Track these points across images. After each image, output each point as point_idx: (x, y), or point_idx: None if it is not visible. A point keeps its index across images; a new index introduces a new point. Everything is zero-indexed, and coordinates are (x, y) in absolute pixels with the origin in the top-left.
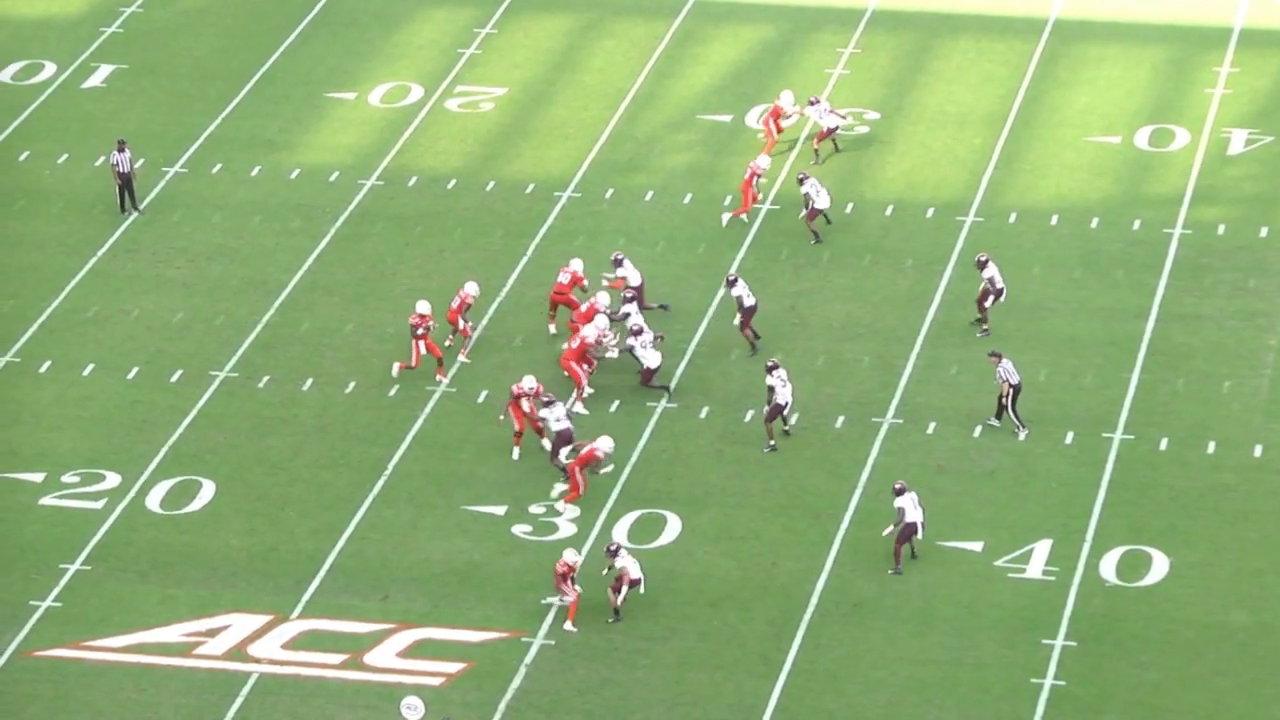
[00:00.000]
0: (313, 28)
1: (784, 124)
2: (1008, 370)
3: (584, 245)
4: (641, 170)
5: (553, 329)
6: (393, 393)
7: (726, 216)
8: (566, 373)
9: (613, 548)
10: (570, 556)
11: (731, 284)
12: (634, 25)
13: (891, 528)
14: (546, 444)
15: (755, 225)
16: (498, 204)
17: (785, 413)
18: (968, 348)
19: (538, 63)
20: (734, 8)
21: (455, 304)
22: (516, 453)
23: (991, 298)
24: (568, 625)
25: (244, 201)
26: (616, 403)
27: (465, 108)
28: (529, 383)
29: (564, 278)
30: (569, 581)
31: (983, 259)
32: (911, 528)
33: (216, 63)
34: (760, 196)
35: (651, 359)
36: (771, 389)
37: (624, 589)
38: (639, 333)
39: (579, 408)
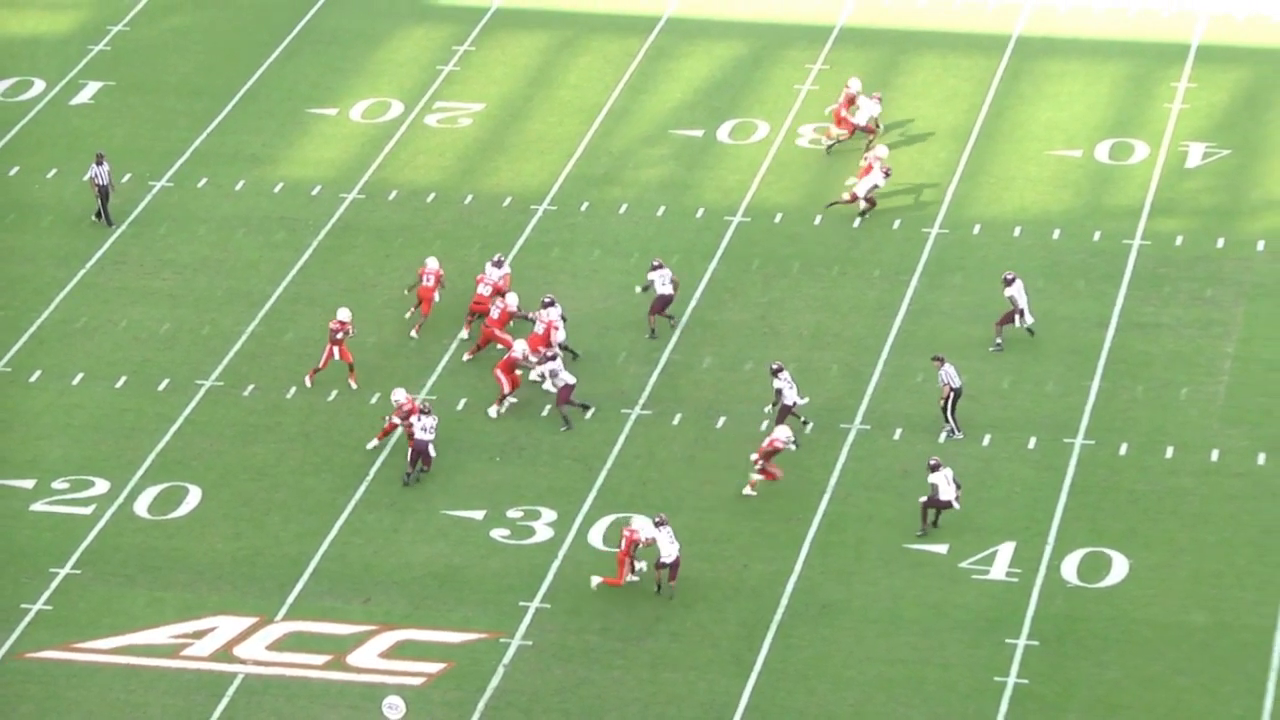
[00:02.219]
0: (295, 45)
1: (858, 118)
2: (949, 374)
3: (560, 257)
4: (616, 183)
5: (465, 334)
6: (374, 400)
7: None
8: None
9: (657, 520)
10: (639, 524)
11: (656, 268)
12: (608, 42)
13: (924, 499)
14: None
15: (727, 236)
16: (476, 217)
17: (794, 411)
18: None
19: (514, 79)
20: (706, 25)
21: (430, 282)
22: (493, 411)
23: (1018, 316)
24: (631, 577)
25: (229, 215)
26: (592, 409)
27: (444, 123)
28: (399, 395)
29: (484, 289)
30: (633, 553)
31: (1009, 277)
32: (945, 504)
33: (201, 80)
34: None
35: (567, 377)
36: (779, 391)
37: (661, 572)
38: (551, 358)
39: (492, 412)
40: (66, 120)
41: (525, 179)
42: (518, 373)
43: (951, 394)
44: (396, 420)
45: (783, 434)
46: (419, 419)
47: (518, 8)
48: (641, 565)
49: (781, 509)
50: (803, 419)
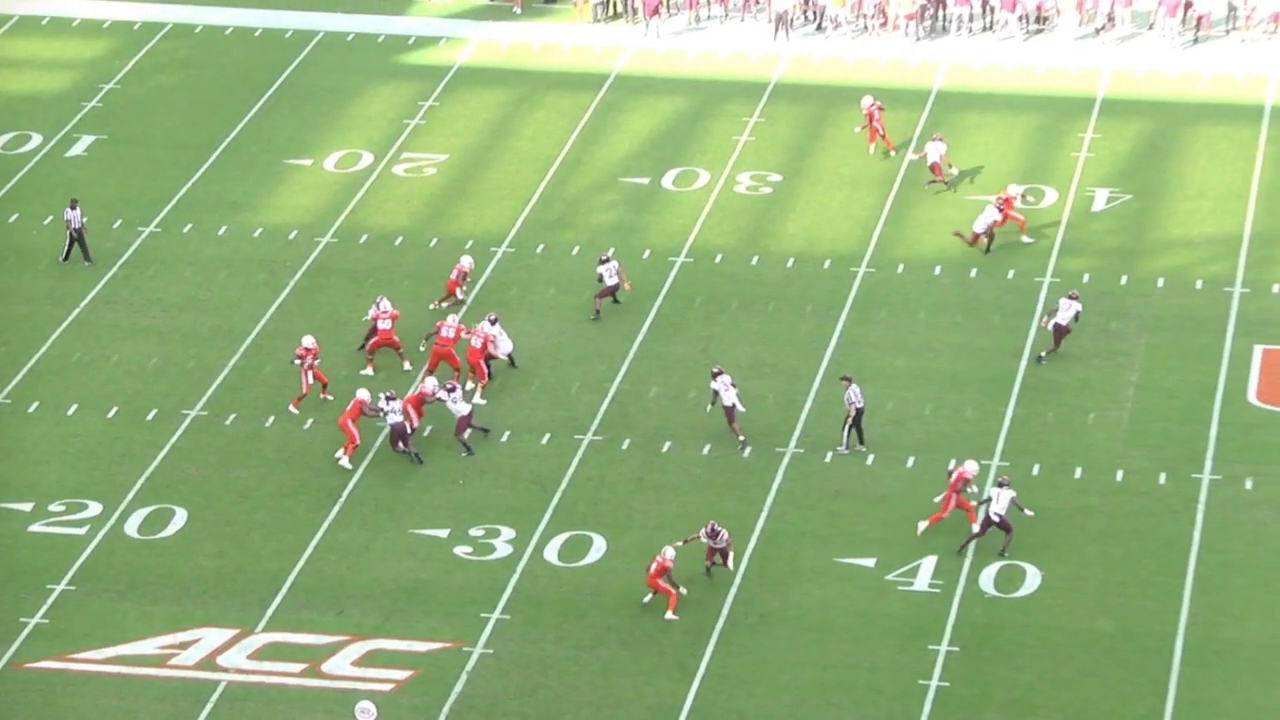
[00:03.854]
0: (273, 101)
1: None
2: (855, 395)
3: (518, 295)
4: (569, 228)
5: (408, 365)
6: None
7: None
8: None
9: (708, 529)
10: (669, 554)
11: (604, 262)
12: (562, 97)
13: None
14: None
15: (672, 275)
16: (440, 259)
17: (733, 414)
18: (861, 385)
19: (476, 131)
20: (651, 81)
21: (454, 276)
22: (345, 461)
23: (1048, 316)
24: (669, 614)
25: (212, 258)
26: (547, 435)
27: (410, 172)
28: (362, 393)
29: (448, 332)
30: (665, 577)
31: (1073, 294)
32: (994, 519)
33: (187, 133)
34: (1023, 219)
35: (462, 409)
36: (715, 393)
37: (727, 562)
38: (452, 390)
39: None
40: (62, 171)
41: (486, 224)
42: (423, 407)
43: (855, 412)
44: (382, 408)
45: (971, 467)
46: (387, 404)
47: (479, 66)
48: (647, 599)
49: (726, 527)
50: (743, 441)
